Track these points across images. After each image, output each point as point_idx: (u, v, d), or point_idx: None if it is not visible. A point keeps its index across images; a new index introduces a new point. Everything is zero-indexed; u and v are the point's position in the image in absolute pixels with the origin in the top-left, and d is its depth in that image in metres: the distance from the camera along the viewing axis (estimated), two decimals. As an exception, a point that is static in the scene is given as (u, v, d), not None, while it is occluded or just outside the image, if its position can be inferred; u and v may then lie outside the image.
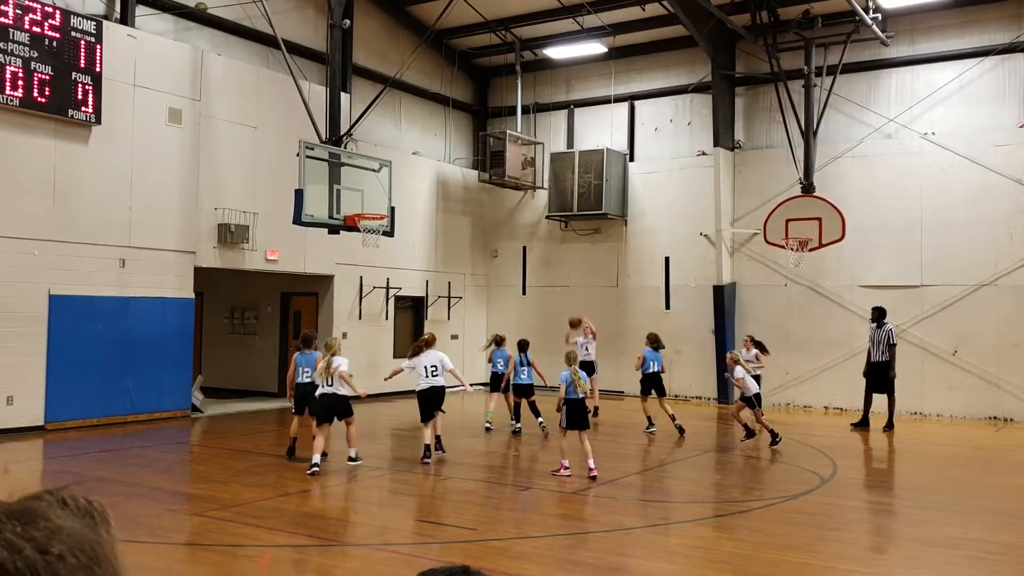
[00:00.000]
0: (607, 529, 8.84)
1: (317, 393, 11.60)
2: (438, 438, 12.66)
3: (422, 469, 11.91)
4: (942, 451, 14.51)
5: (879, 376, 16.41)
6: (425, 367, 12.42)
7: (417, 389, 12.53)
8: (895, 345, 16.46)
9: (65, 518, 0.96)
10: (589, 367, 15.95)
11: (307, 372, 12.27)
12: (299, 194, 13.60)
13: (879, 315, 16.62)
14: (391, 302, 21.00)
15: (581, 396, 11.41)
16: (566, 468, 11.27)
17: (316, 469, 11.11)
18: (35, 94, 13.75)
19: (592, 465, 11.16)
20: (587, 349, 16.81)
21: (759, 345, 16.33)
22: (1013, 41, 17.89)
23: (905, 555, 8.09)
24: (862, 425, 16.43)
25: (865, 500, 10.35)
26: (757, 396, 13.93)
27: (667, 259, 21.55)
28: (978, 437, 15.85)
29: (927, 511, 9.76)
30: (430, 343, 12.80)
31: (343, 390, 11.48)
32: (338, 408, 11.56)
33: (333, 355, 11.44)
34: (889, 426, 16.22)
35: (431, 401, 12.41)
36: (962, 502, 10.28)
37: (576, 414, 11.36)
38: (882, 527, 9.01)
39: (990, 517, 9.53)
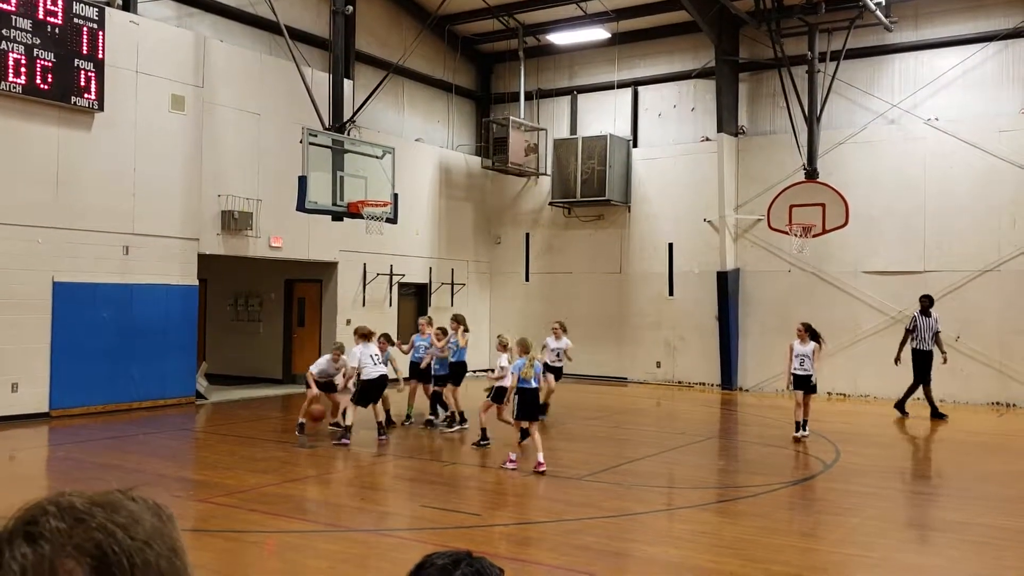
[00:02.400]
0: (611, 515, 8.88)
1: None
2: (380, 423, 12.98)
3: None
4: (945, 436, 14.53)
5: (928, 365, 15.89)
6: (372, 356, 12.83)
7: (372, 376, 12.69)
8: (939, 332, 16.04)
9: (141, 511, 1.02)
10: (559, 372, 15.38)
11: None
12: (302, 181, 13.60)
13: (928, 303, 16.06)
14: (395, 289, 21.03)
15: (534, 386, 10.96)
16: (512, 462, 10.69)
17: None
18: (38, 81, 13.73)
19: (541, 459, 10.58)
20: (558, 355, 15.45)
21: (816, 336, 13.66)
22: (1017, 27, 17.80)
23: (908, 539, 8.12)
24: (938, 416, 15.86)
25: (868, 485, 10.37)
26: (501, 390, 12.00)
27: (670, 245, 21.54)
28: (981, 422, 15.87)
29: (930, 496, 9.78)
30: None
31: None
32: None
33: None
34: (931, 414, 15.82)
35: (382, 388, 12.88)
36: (965, 487, 10.31)
37: (528, 404, 10.88)
38: (885, 512, 9.03)
39: (993, 502, 9.55)
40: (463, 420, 13.82)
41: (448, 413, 14.12)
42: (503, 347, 12.63)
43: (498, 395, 12.09)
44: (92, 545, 0.93)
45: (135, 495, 1.04)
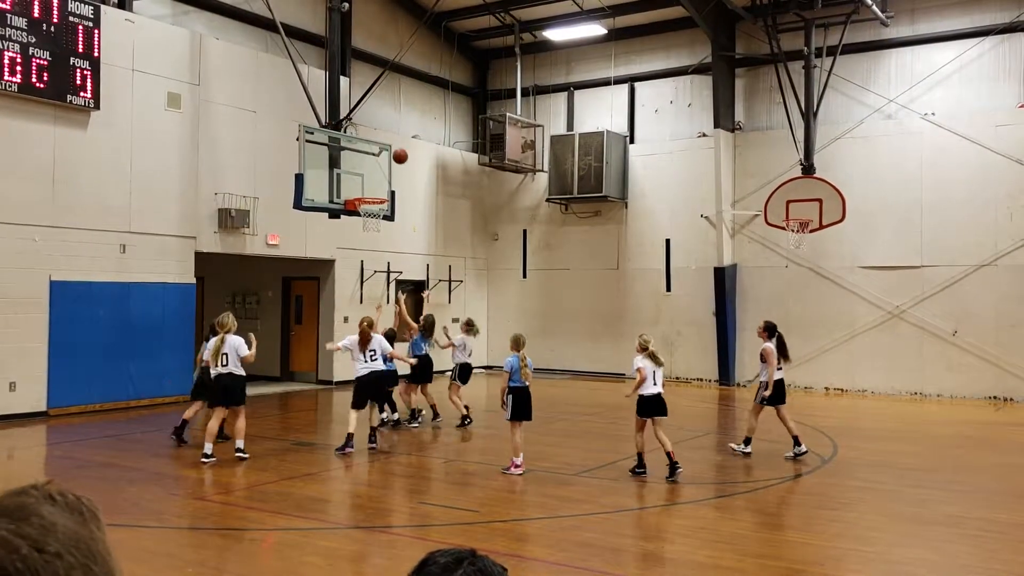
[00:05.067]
0: (609, 511, 8.89)
1: (212, 375, 11.10)
2: (374, 429, 12.07)
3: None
4: (942, 431, 14.56)
5: None
6: (366, 352, 11.88)
7: (360, 374, 11.84)
8: None
9: (56, 514, 0.94)
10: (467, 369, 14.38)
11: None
12: (299, 179, 13.58)
13: None
14: (392, 286, 21.01)
15: (526, 384, 10.43)
16: (517, 466, 10.33)
17: (213, 459, 10.77)
18: (33, 79, 13.71)
19: (519, 461, 10.35)
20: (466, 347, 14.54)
21: (778, 339, 11.56)
22: (1013, 21, 17.82)
23: (905, 534, 8.14)
24: None
25: (865, 480, 10.39)
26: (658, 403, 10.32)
27: (668, 241, 21.55)
28: (978, 417, 15.90)
29: (927, 490, 9.81)
30: (372, 328, 12.13)
31: (239, 370, 11.02)
32: (235, 391, 11.05)
33: (227, 333, 11.03)
34: None
35: (373, 386, 11.96)
36: (962, 481, 10.33)
37: (521, 404, 10.40)
38: (882, 506, 9.05)
39: (990, 496, 9.58)
40: (415, 417, 13.89)
41: (382, 415, 13.41)
42: (644, 350, 10.27)
43: (649, 408, 10.19)
44: None
45: (53, 491, 0.96)
